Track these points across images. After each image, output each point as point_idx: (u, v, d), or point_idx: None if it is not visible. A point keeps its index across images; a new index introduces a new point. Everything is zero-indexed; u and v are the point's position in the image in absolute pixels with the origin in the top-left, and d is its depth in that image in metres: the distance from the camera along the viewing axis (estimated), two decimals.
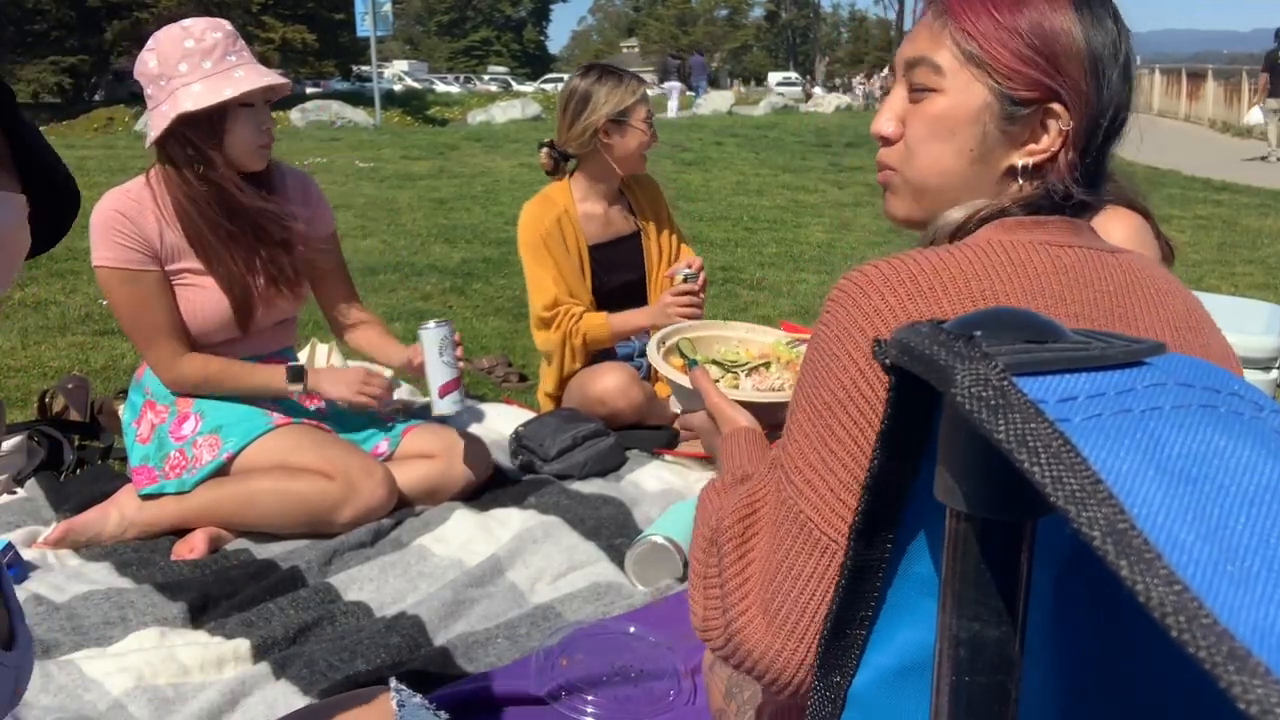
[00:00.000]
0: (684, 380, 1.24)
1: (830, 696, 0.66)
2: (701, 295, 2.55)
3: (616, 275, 2.71)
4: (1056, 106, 0.88)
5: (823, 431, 0.80)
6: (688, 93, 23.58)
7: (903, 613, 0.61)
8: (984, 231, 0.88)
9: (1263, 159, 12.42)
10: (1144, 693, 0.46)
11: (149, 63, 2.06)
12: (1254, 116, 13.39)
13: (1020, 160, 0.90)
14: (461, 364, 2.21)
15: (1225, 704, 0.25)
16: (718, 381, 1.30)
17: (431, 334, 2.16)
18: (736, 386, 1.39)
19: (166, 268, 2.11)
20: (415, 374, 2.25)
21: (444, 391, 2.17)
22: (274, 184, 2.22)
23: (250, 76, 2.07)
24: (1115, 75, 0.88)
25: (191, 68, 2.03)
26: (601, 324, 2.62)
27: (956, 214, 0.92)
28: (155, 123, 2.07)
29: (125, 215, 2.06)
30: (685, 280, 2.52)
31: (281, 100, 2.32)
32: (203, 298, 2.14)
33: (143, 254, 2.07)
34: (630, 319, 2.62)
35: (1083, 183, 0.89)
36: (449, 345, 2.16)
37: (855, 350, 0.78)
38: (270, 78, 2.09)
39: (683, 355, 1.47)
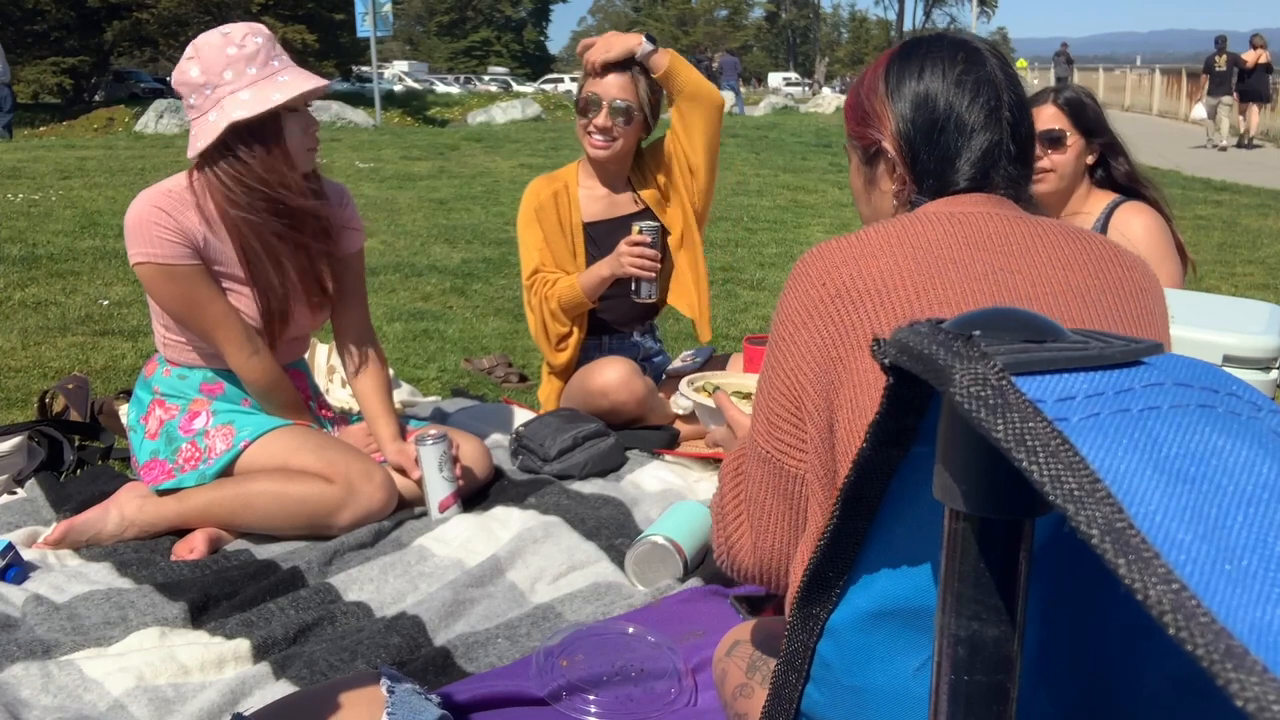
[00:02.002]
0: (709, 402, 1.41)
1: (809, 626, 0.71)
2: (656, 252, 2.52)
3: None
4: (885, 144, 1.13)
5: (770, 375, 1.02)
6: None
7: (885, 564, 0.64)
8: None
9: (1214, 147, 14.49)
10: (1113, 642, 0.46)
11: (190, 71, 2.03)
12: (1197, 112, 15.79)
13: (892, 189, 1.15)
14: (461, 481, 2.23)
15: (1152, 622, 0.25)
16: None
17: (430, 451, 2.17)
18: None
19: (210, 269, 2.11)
20: (406, 474, 2.26)
21: (444, 506, 2.20)
22: (319, 190, 2.21)
23: (296, 81, 2.06)
24: (928, 105, 1.10)
25: (237, 75, 2.01)
26: (570, 284, 2.59)
27: None
28: (202, 131, 2.03)
29: (166, 211, 2.05)
30: (640, 232, 2.51)
31: None
32: (238, 304, 2.15)
33: (186, 248, 2.06)
34: (594, 271, 2.58)
35: (933, 189, 1.10)
36: (447, 461, 2.19)
37: (798, 302, 1.00)
38: (314, 80, 2.08)
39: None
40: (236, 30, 2.05)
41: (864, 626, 0.68)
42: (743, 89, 24.46)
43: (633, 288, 2.56)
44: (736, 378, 1.86)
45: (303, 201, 2.12)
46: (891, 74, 1.14)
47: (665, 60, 2.57)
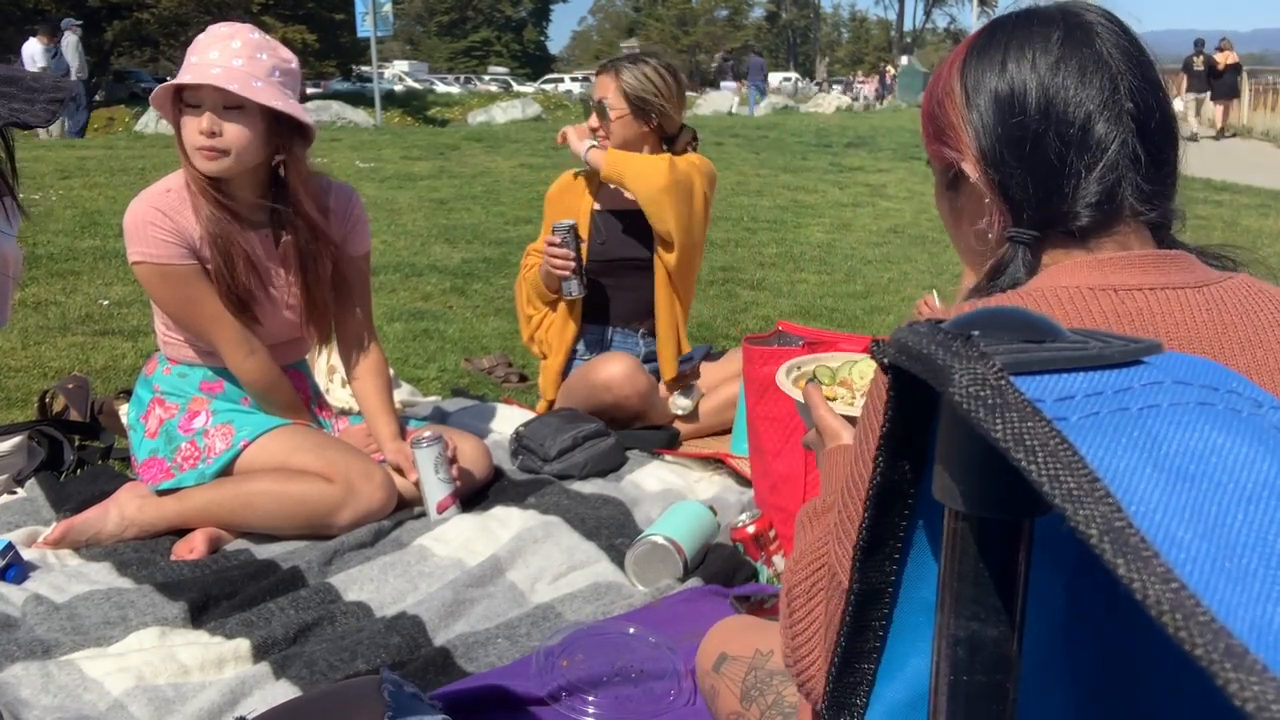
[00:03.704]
0: (800, 396, 1.22)
1: None
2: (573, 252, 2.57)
3: (625, 246, 2.73)
4: (965, 167, 0.89)
5: (856, 480, 0.80)
6: (743, 90, 24.16)
7: (910, 639, 0.59)
8: (1044, 277, 0.85)
9: (1187, 137, 15.72)
10: (1161, 701, 0.45)
11: None
12: (1175, 106, 17.26)
13: (979, 226, 0.91)
14: (458, 481, 2.22)
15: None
16: (835, 401, 1.27)
17: (425, 453, 2.18)
18: (852, 404, 1.37)
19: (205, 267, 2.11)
20: (405, 474, 2.26)
21: (441, 508, 2.20)
22: (290, 194, 2.14)
23: (186, 74, 2.01)
24: (1014, 107, 0.86)
25: (186, 57, 2.04)
26: (536, 272, 2.75)
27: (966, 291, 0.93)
28: None
29: (163, 212, 2.06)
30: (554, 231, 2.58)
31: None
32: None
33: (182, 248, 2.07)
34: (541, 266, 2.71)
35: (1035, 222, 0.86)
36: (443, 462, 2.19)
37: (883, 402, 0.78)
38: (215, 79, 1.96)
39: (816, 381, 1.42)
40: (219, 27, 2.07)
41: None
42: (743, 89, 24.55)
43: (560, 285, 2.66)
44: (839, 358, 1.52)
45: (228, 201, 2.08)
46: (970, 67, 0.88)
47: (599, 160, 2.61)
